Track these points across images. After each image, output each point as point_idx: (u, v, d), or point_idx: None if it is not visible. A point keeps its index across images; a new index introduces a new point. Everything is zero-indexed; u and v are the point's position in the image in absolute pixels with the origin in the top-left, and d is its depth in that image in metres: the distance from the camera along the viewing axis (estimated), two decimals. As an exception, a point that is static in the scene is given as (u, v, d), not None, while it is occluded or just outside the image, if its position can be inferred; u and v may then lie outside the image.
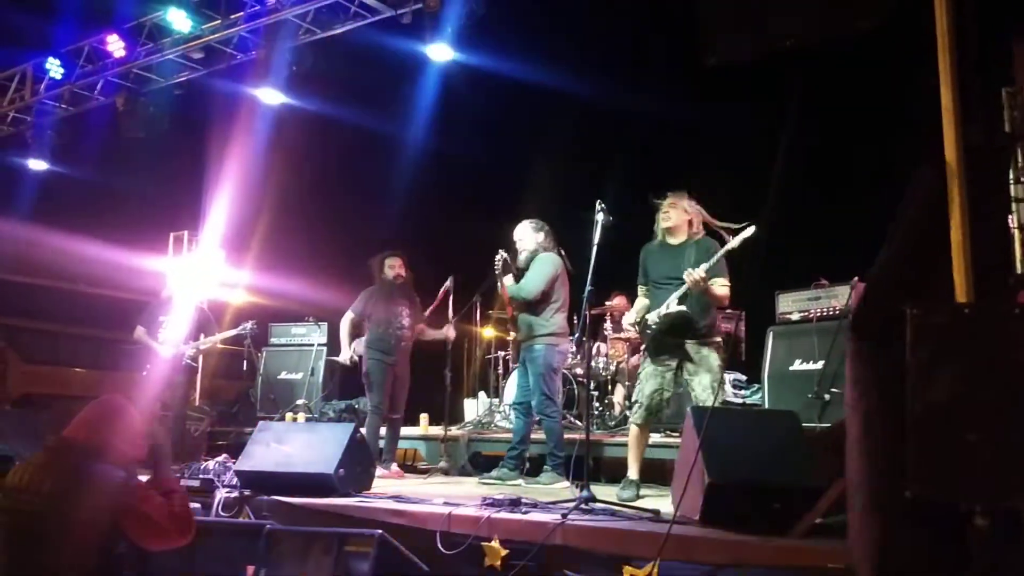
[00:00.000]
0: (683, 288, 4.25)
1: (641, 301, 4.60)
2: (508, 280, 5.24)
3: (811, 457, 3.39)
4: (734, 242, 4.12)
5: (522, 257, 5.27)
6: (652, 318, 4.39)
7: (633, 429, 4.49)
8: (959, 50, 2.87)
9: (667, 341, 4.37)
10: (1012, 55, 3.16)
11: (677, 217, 4.44)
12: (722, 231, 4.34)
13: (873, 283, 2.85)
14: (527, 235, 5.28)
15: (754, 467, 3.33)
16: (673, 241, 4.47)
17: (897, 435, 2.51)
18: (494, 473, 5.22)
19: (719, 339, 4.44)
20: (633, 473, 4.44)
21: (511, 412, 6.84)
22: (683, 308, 4.27)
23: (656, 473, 5.29)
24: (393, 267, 5.87)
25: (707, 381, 4.25)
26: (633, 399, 4.56)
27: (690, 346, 4.33)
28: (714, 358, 4.31)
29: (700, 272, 4.14)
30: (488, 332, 7.90)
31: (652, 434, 5.52)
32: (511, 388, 7.03)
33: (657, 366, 4.39)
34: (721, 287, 4.29)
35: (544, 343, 5.12)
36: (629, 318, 4.61)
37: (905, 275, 2.82)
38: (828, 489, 3.04)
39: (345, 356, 6.02)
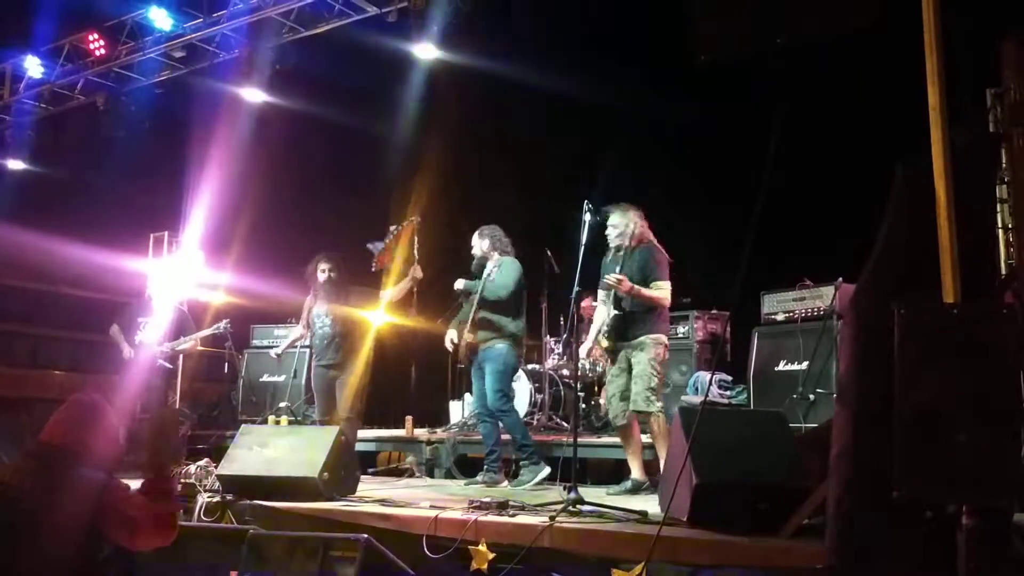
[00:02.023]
0: (613, 295, 4.59)
1: (600, 311, 4.86)
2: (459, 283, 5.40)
3: (799, 457, 3.39)
4: (611, 279, 4.52)
5: (475, 263, 5.38)
6: (587, 344, 4.88)
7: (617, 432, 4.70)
8: (946, 50, 2.87)
9: (619, 345, 4.64)
10: (998, 55, 3.18)
11: (625, 238, 4.67)
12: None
13: (861, 287, 2.85)
14: (483, 241, 5.40)
15: (742, 467, 3.32)
16: (620, 251, 4.71)
17: (887, 437, 2.51)
18: (479, 479, 5.20)
19: (655, 335, 4.60)
20: (635, 473, 4.61)
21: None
22: (616, 311, 4.58)
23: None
24: (324, 270, 5.77)
25: (639, 371, 4.51)
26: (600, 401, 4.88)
27: (631, 347, 4.58)
28: (646, 352, 4.54)
29: (613, 279, 4.44)
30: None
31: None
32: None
33: (613, 370, 4.67)
34: (656, 289, 4.54)
35: (506, 343, 5.19)
36: (587, 344, 5.05)
37: (891, 277, 2.82)
38: (815, 489, 3.04)
39: (275, 351, 6.30)
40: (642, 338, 4.55)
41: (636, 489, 4.52)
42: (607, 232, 4.70)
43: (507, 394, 5.21)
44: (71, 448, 2.61)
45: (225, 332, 6.71)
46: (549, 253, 5.99)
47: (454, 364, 8.19)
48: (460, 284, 5.36)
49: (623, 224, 4.66)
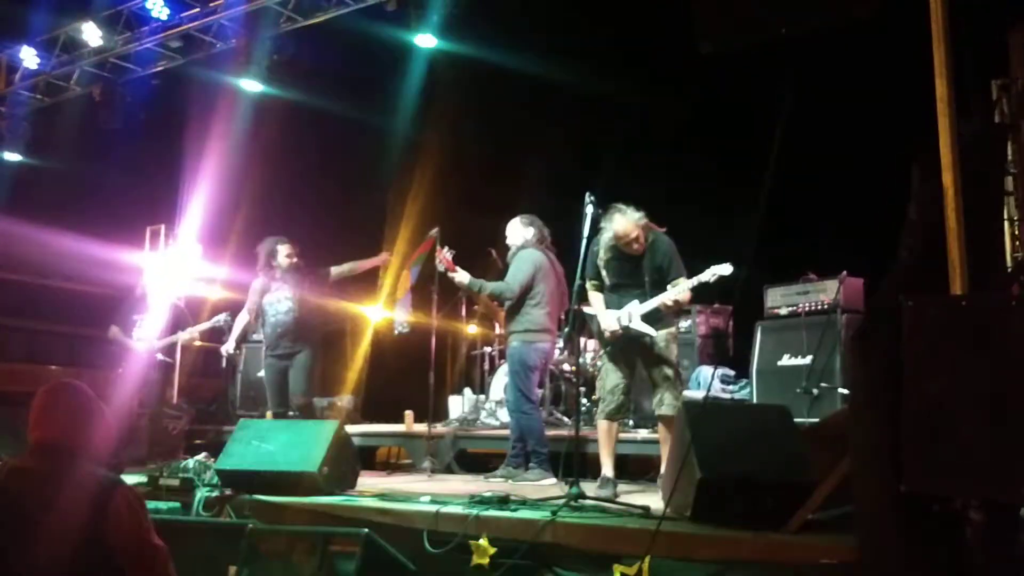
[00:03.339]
0: (649, 305, 4.23)
1: (598, 297, 4.48)
2: (462, 276, 5.19)
3: (803, 452, 3.37)
4: (707, 276, 4.13)
5: (508, 255, 5.29)
6: (612, 325, 4.32)
7: (602, 424, 4.40)
8: (953, 41, 2.84)
9: (629, 335, 4.34)
10: (1005, 47, 3.15)
11: (641, 239, 4.30)
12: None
13: (886, 287, 2.82)
14: (512, 231, 5.30)
15: (746, 462, 3.29)
16: (633, 253, 4.36)
17: (893, 431, 2.48)
18: (499, 472, 5.14)
19: (674, 329, 4.46)
20: (608, 470, 4.35)
21: (497, 409, 6.81)
22: (649, 330, 4.25)
23: (642, 469, 5.26)
24: (290, 255, 5.57)
25: (667, 372, 4.29)
26: (596, 395, 4.56)
27: (648, 342, 4.34)
28: (673, 348, 4.35)
29: (677, 294, 4.16)
30: (472, 328, 7.83)
31: (640, 430, 5.51)
32: (497, 384, 6.97)
33: (616, 361, 4.39)
34: (685, 293, 4.26)
35: (519, 340, 5.11)
36: (611, 324, 4.37)
37: (908, 274, 2.80)
38: (820, 484, 3.02)
39: (227, 347, 6.03)
40: (662, 332, 4.30)
41: (614, 487, 4.26)
42: (612, 238, 4.31)
43: (526, 394, 5.06)
44: (71, 443, 2.54)
45: (225, 326, 6.66)
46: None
47: (453, 358, 8.19)
48: (464, 279, 5.23)
49: (633, 230, 4.25)
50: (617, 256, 4.37)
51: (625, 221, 4.24)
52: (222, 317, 6.67)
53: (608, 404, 4.34)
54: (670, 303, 4.20)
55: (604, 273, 4.44)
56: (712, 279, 4.12)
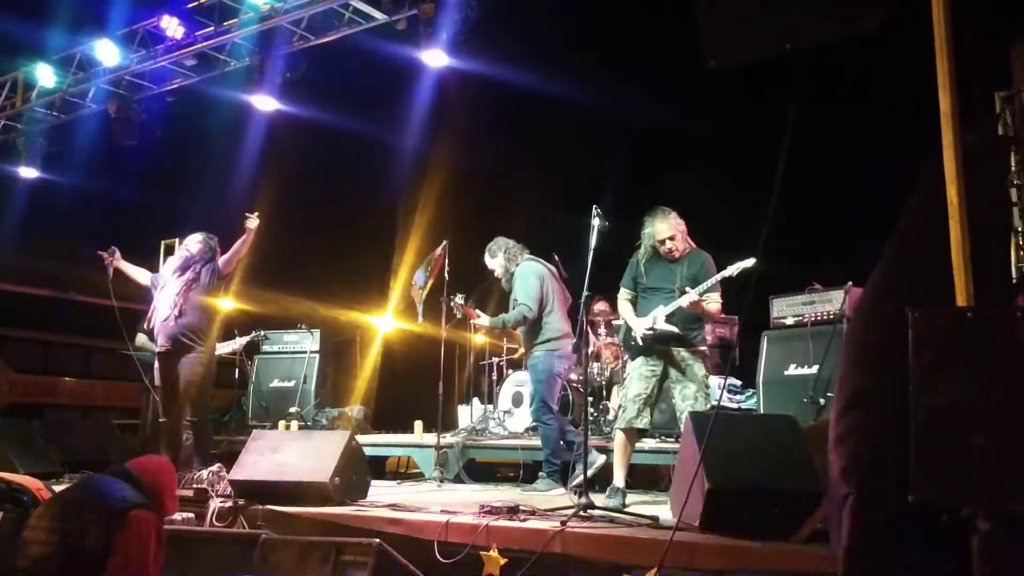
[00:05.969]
0: (672, 305, 4.29)
1: (628, 307, 4.56)
2: (483, 320, 5.40)
3: (811, 461, 3.38)
4: (731, 270, 4.17)
5: (503, 281, 5.40)
6: (642, 328, 4.37)
7: (619, 435, 4.41)
8: (957, 53, 2.87)
9: (653, 347, 4.38)
10: (1008, 58, 3.18)
11: (679, 243, 4.41)
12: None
13: (871, 288, 2.85)
14: (493, 261, 5.40)
15: (754, 472, 3.32)
16: (668, 256, 4.45)
17: (892, 439, 2.50)
18: (537, 486, 5.10)
19: (705, 349, 4.47)
20: (619, 480, 4.35)
21: (505, 418, 6.84)
22: (672, 328, 4.31)
23: (650, 479, 5.27)
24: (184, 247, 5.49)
25: (691, 392, 4.26)
26: (618, 404, 4.56)
27: (675, 352, 4.34)
28: (699, 367, 4.32)
29: (695, 296, 4.19)
30: (480, 338, 7.88)
31: (647, 440, 5.51)
32: (505, 394, 7.00)
33: (642, 370, 4.38)
34: (713, 303, 4.32)
35: (544, 349, 5.16)
36: (641, 326, 4.41)
37: (901, 279, 2.82)
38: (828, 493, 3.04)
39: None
40: (692, 349, 4.32)
41: (623, 497, 4.28)
42: (651, 237, 4.41)
43: (547, 404, 5.09)
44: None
45: (257, 341, 6.73)
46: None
47: (461, 368, 8.23)
48: (485, 322, 5.42)
49: (669, 231, 4.37)
50: (655, 258, 4.47)
51: (663, 221, 4.38)
52: (241, 341, 6.71)
53: (628, 413, 4.32)
54: (686, 305, 4.20)
55: (643, 276, 4.49)
56: (735, 273, 4.15)
